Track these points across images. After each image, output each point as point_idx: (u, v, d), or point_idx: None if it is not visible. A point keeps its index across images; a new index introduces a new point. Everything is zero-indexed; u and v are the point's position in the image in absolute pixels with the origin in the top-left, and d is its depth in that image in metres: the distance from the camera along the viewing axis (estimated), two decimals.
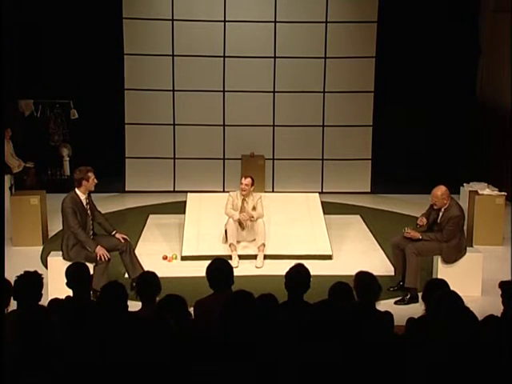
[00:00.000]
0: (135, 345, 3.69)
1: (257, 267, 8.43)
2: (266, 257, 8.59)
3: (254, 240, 8.73)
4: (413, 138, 12.44)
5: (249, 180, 8.79)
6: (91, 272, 5.39)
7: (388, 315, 4.74)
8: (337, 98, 12.30)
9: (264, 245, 8.61)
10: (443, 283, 5.04)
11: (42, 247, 9.06)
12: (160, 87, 12.15)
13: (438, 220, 7.56)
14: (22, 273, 4.77)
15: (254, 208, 8.78)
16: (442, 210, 7.52)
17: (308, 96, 12.29)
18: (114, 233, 7.77)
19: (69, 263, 5.66)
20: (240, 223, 8.69)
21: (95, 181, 7.54)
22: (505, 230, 9.62)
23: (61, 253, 7.50)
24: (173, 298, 4.56)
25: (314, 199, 9.86)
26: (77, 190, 7.48)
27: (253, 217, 8.66)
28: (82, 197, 7.48)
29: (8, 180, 10.50)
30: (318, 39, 12.11)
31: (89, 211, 7.56)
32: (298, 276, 5.05)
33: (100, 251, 7.31)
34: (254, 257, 8.59)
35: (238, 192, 8.87)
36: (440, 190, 7.49)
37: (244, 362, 3.64)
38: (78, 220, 7.35)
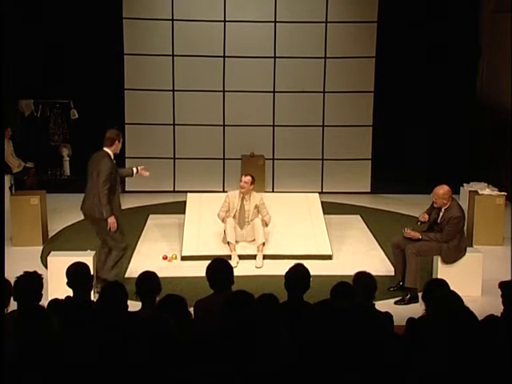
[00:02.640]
0: (135, 345, 3.69)
1: (256, 267, 8.42)
2: (265, 257, 8.59)
3: (254, 240, 8.73)
4: (413, 138, 12.44)
5: (248, 178, 8.78)
6: (91, 272, 5.37)
7: (388, 316, 4.74)
8: (337, 98, 12.30)
9: (263, 244, 8.61)
10: (443, 283, 5.04)
11: (41, 247, 9.06)
12: (160, 87, 12.15)
13: (439, 220, 7.56)
14: (22, 273, 4.76)
15: (256, 207, 8.77)
16: (443, 210, 7.53)
17: (308, 96, 12.30)
18: (135, 171, 7.90)
19: (69, 263, 5.59)
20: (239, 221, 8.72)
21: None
22: (505, 230, 9.61)
23: (61, 252, 7.53)
24: (173, 298, 4.56)
25: (314, 199, 9.86)
26: (107, 149, 7.50)
27: (267, 224, 8.80)
28: (112, 157, 7.52)
29: (8, 180, 10.50)
30: (318, 39, 12.11)
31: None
32: (298, 276, 5.05)
33: (111, 221, 7.36)
34: (254, 257, 8.58)
35: (236, 191, 8.87)
36: (442, 189, 7.50)
37: (244, 363, 3.65)
38: (109, 182, 7.34)
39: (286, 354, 3.79)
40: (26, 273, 4.77)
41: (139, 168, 7.97)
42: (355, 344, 3.80)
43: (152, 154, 12.33)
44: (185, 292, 5.20)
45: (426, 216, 7.69)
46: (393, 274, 7.94)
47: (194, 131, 12.32)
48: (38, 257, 8.67)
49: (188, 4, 11.99)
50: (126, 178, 12.21)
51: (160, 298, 4.67)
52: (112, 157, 7.51)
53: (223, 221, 8.69)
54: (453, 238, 7.48)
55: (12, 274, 4.81)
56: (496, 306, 5.14)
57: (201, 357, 3.80)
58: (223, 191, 11.62)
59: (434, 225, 7.63)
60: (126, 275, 7.94)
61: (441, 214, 7.55)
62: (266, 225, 8.80)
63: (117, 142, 7.55)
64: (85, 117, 12.24)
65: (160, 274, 5.09)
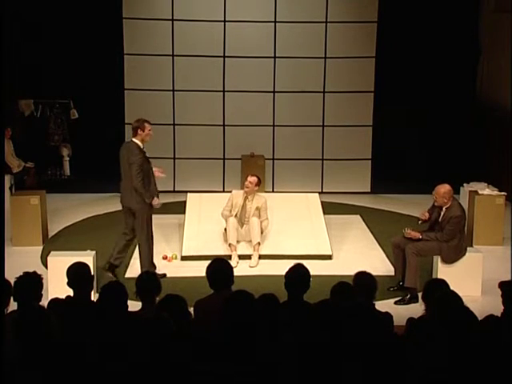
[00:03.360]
0: (135, 345, 3.69)
1: (250, 266, 8.40)
2: (265, 257, 8.58)
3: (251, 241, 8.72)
4: (413, 138, 12.44)
5: (254, 178, 8.79)
6: (92, 272, 5.37)
7: (388, 316, 4.74)
8: (337, 98, 12.31)
9: (259, 244, 8.60)
10: (443, 283, 5.04)
11: (41, 247, 9.05)
12: (160, 87, 12.15)
13: (440, 219, 7.57)
14: (22, 273, 4.76)
15: (257, 208, 8.78)
16: (444, 209, 7.54)
17: (308, 96, 12.30)
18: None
19: (69, 263, 5.57)
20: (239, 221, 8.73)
21: (151, 134, 7.66)
22: (505, 230, 9.61)
23: (61, 252, 7.55)
24: (173, 297, 4.56)
25: (314, 199, 9.86)
26: (134, 139, 7.59)
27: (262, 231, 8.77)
28: (141, 146, 7.59)
29: (8, 180, 10.50)
30: (318, 39, 12.12)
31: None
32: (298, 276, 5.04)
33: (155, 202, 7.61)
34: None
35: (241, 190, 8.93)
36: (444, 188, 7.51)
37: (244, 363, 3.65)
38: (143, 173, 7.48)
39: (286, 354, 3.79)
40: (26, 273, 4.77)
41: (154, 170, 7.94)
42: (355, 344, 3.80)
43: (152, 154, 12.24)
44: (185, 292, 5.19)
45: (427, 214, 7.70)
46: (393, 273, 7.94)
47: (194, 131, 12.32)
48: (38, 257, 8.66)
49: (188, 4, 12.00)
50: None
51: (160, 298, 4.67)
52: (141, 146, 7.58)
53: (226, 220, 8.71)
54: (453, 237, 7.48)
55: (12, 274, 4.80)
56: (496, 306, 5.14)
57: (201, 357, 3.80)
58: (223, 191, 11.64)
59: (435, 224, 7.64)
60: (126, 275, 7.94)
61: (442, 213, 7.56)
62: (262, 232, 8.80)
63: (139, 130, 7.58)
64: (85, 117, 12.24)
65: None
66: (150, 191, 7.61)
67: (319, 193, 10.37)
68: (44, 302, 4.70)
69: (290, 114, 12.33)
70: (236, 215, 8.75)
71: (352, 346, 3.80)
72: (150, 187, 7.62)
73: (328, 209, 10.09)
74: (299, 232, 9.13)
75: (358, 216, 10.78)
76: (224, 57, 12.14)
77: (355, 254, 9.01)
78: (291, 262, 5.33)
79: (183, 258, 8.70)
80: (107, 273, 7.67)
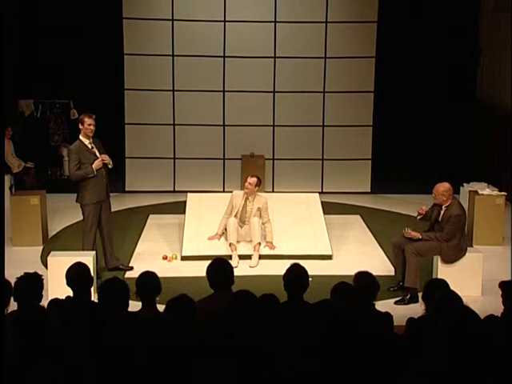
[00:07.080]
0: (135, 345, 3.69)
1: (251, 267, 8.39)
2: (266, 257, 8.58)
3: (251, 241, 8.72)
4: (413, 138, 12.44)
5: (254, 179, 8.78)
6: (92, 272, 5.37)
7: (388, 316, 4.74)
8: (337, 98, 12.31)
9: (260, 244, 8.60)
10: (443, 283, 5.04)
11: (41, 247, 9.06)
12: (160, 87, 12.16)
13: (439, 218, 7.57)
14: (23, 274, 4.75)
15: (258, 209, 8.77)
16: (444, 208, 7.54)
17: (308, 96, 12.30)
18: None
19: (69, 263, 5.57)
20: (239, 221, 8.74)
21: (92, 127, 7.78)
22: (505, 230, 9.62)
23: (61, 252, 7.56)
24: (183, 298, 4.52)
25: (314, 199, 9.86)
26: (80, 136, 7.84)
27: (271, 243, 8.79)
28: (86, 141, 7.80)
29: (8, 180, 10.50)
30: (318, 39, 12.12)
31: (97, 153, 7.84)
32: (296, 276, 5.04)
33: (97, 163, 7.70)
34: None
35: (242, 191, 8.93)
36: (443, 187, 7.53)
37: (246, 363, 3.64)
38: (76, 165, 7.63)
39: (286, 354, 3.79)
40: (27, 273, 4.77)
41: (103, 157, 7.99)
42: (355, 344, 3.80)
43: (152, 154, 12.34)
44: (185, 292, 5.18)
45: (424, 207, 7.72)
46: (393, 273, 7.94)
47: (194, 131, 12.32)
48: (38, 257, 8.67)
49: (188, 4, 12.00)
50: (126, 178, 12.34)
51: (172, 297, 4.59)
52: (85, 142, 7.77)
53: (226, 221, 8.71)
54: (453, 236, 7.48)
55: (12, 274, 4.81)
56: (496, 306, 5.15)
57: (201, 357, 3.80)
58: (223, 191, 11.65)
59: (436, 224, 7.64)
60: (126, 275, 7.94)
61: (442, 213, 7.56)
62: (272, 236, 8.83)
63: (79, 125, 7.86)
64: None
65: (160, 274, 5.08)
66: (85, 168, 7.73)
67: (319, 193, 10.36)
68: (44, 302, 4.70)
69: (290, 114, 12.33)
70: (236, 215, 8.75)
71: (352, 346, 3.80)
72: (93, 181, 7.75)
73: (328, 209, 10.10)
74: (299, 232, 9.13)
75: (358, 216, 10.78)
76: (224, 57, 12.14)
77: (355, 253, 9.01)
78: (291, 262, 5.33)
79: (183, 258, 8.69)
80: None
